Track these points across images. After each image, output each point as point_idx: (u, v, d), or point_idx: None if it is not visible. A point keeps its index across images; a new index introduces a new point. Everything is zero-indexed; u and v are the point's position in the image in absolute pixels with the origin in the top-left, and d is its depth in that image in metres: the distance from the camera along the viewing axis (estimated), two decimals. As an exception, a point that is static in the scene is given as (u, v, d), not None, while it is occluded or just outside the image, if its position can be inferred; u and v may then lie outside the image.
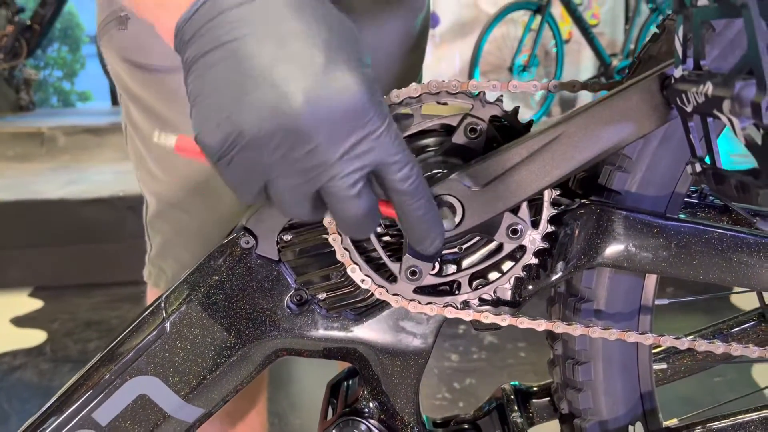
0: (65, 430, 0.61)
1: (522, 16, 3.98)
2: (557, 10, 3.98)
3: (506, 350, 2.00)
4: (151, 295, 0.84)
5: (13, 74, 4.35)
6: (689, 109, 0.44)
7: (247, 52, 0.38)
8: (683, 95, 0.43)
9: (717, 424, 0.59)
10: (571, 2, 3.91)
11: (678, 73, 0.43)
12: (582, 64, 4.33)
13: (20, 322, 2.32)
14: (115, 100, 5.01)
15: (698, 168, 0.45)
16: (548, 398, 0.72)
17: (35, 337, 2.19)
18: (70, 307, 2.40)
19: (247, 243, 0.58)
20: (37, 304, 2.45)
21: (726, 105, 0.38)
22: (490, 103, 0.53)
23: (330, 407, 0.68)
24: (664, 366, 0.70)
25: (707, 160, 0.45)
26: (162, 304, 0.60)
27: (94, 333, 2.12)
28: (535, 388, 0.73)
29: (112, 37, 0.72)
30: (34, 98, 4.63)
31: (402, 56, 0.89)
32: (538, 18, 3.84)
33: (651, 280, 0.60)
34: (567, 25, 4.14)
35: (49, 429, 0.61)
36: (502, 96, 0.54)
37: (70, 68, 6.35)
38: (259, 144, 0.39)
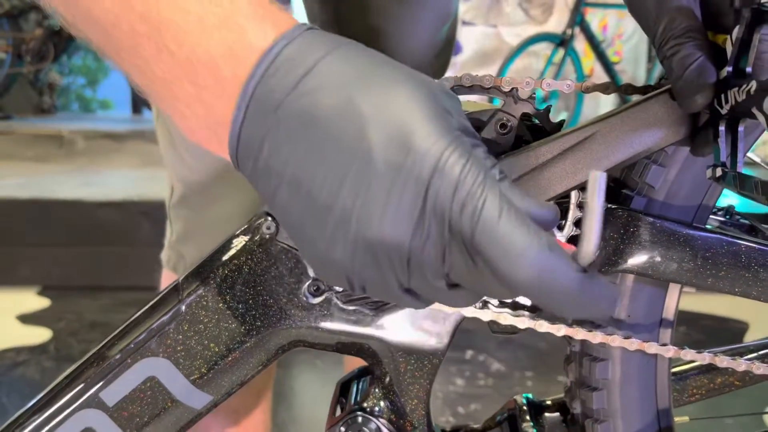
0: (72, 407, 0.60)
1: (544, 49, 4.01)
2: (580, 45, 4.00)
3: (513, 378, 1.98)
4: (166, 279, 0.84)
5: (38, 77, 4.41)
6: (724, 111, 0.43)
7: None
8: (722, 96, 0.43)
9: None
10: (595, 38, 3.94)
11: (722, 74, 0.43)
12: (601, 101, 4.34)
13: (26, 319, 2.32)
14: (135, 109, 5.06)
15: (719, 172, 0.45)
16: (560, 413, 0.71)
17: (40, 334, 2.19)
18: (77, 308, 2.40)
19: (269, 228, 0.58)
20: (44, 302, 2.46)
21: (767, 102, 0.37)
22: (523, 100, 0.53)
23: (339, 405, 0.67)
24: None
25: (730, 164, 0.44)
26: (179, 286, 0.60)
27: (99, 334, 2.12)
28: (548, 402, 0.72)
29: None
30: (56, 102, 4.69)
31: (425, 60, 0.89)
32: (561, 52, 3.87)
33: (674, 293, 0.59)
34: (589, 61, 4.17)
35: (57, 406, 0.60)
36: (534, 94, 0.53)
37: (93, 76, 6.43)
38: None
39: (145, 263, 2.23)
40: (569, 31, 3.90)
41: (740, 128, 0.43)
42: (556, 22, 4.41)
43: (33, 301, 2.46)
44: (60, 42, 4.28)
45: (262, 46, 0.36)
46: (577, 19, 3.92)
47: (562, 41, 3.89)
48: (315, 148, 0.35)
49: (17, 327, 2.26)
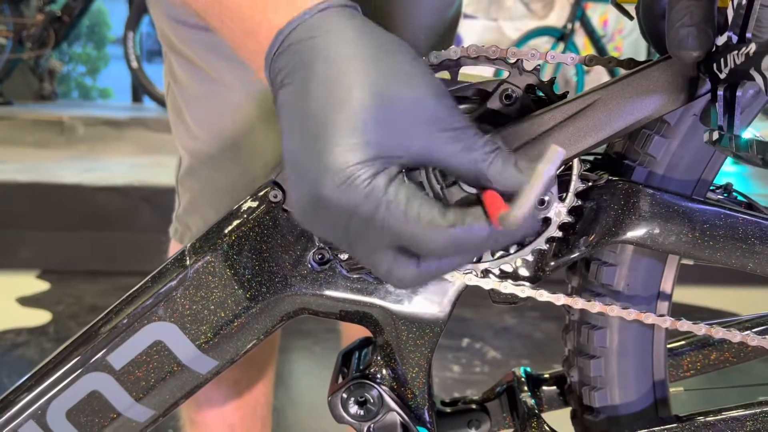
0: (80, 371, 0.61)
1: (545, 43, 4.02)
2: (580, 39, 4.01)
3: (509, 366, 1.99)
4: (174, 250, 0.86)
5: (39, 63, 4.41)
6: (723, 75, 0.44)
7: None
8: (721, 60, 0.44)
9: (731, 413, 0.59)
10: (595, 33, 3.95)
11: (721, 40, 0.44)
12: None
13: (26, 302, 2.33)
14: (135, 97, 5.05)
15: (715, 135, 0.46)
16: (556, 387, 0.72)
17: (40, 317, 2.20)
18: (76, 292, 2.41)
19: (276, 197, 0.59)
20: (44, 286, 2.47)
21: (766, 61, 0.39)
22: (528, 71, 0.54)
23: (340, 375, 0.68)
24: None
25: (727, 127, 0.45)
26: (186, 252, 0.61)
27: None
28: (546, 375, 0.73)
29: None
30: (56, 89, 4.68)
31: (427, 44, 0.90)
32: (561, 46, 3.88)
33: (672, 266, 0.60)
34: (589, 56, 4.17)
35: (64, 369, 0.61)
36: (539, 65, 0.54)
37: (93, 65, 6.42)
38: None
39: (145, 248, 2.24)
40: (569, 26, 3.91)
41: (738, 92, 0.44)
42: (557, 17, 4.41)
43: (33, 284, 2.47)
44: (61, 29, 4.27)
45: (278, 25, 0.43)
46: (578, 13, 3.93)
47: (562, 35, 3.91)
48: (289, 127, 0.42)
49: (17, 309, 2.27)
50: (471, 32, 4.43)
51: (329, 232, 0.43)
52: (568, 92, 0.54)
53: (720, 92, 0.44)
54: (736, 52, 0.41)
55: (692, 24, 0.43)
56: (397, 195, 0.40)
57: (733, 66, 0.42)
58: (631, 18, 0.58)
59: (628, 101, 0.50)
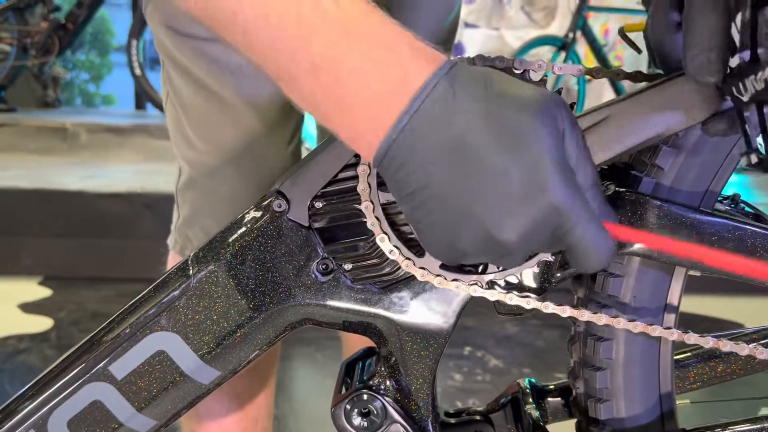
0: (81, 380, 0.61)
1: (546, 52, 4.03)
2: (582, 48, 4.02)
3: (511, 374, 1.99)
4: (172, 262, 0.85)
5: (42, 71, 4.42)
6: (746, 98, 0.43)
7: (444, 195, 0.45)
8: (740, 84, 0.43)
9: (737, 428, 0.58)
10: (596, 42, 3.95)
11: (734, 62, 0.44)
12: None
13: (28, 308, 2.33)
14: (138, 105, 5.07)
15: (754, 159, 0.45)
16: (561, 398, 0.72)
17: (42, 323, 2.20)
18: (78, 298, 2.40)
19: (280, 206, 0.58)
20: (46, 292, 2.46)
21: None
22: (534, 82, 0.53)
23: (344, 385, 0.67)
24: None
25: (762, 150, 0.44)
26: (189, 261, 0.61)
27: (100, 324, 2.13)
28: (551, 387, 0.72)
29: (158, 5, 0.73)
30: (60, 96, 4.69)
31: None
32: (563, 55, 3.88)
33: (679, 277, 0.60)
34: (590, 65, 4.18)
35: (66, 379, 0.61)
36: (546, 76, 0.54)
37: (97, 72, 6.44)
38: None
39: (147, 255, 2.23)
40: (571, 35, 3.92)
41: (766, 110, 0.43)
42: (558, 26, 4.42)
43: (35, 290, 2.47)
44: (65, 36, 4.28)
45: (412, 88, 0.44)
46: (579, 23, 3.94)
47: (563, 45, 3.91)
48: (458, 173, 0.44)
49: (19, 315, 2.27)
50: (473, 41, 4.44)
51: (530, 246, 0.47)
52: (575, 103, 0.54)
53: (747, 113, 0.43)
54: (753, 77, 0.41)
55: (710, 48, 0.43)
56: (589, 210, 0.46)
57: (753, 92, 0.41)
58: (639, 51, 0.58)
59: (641, 118, 0.49)
